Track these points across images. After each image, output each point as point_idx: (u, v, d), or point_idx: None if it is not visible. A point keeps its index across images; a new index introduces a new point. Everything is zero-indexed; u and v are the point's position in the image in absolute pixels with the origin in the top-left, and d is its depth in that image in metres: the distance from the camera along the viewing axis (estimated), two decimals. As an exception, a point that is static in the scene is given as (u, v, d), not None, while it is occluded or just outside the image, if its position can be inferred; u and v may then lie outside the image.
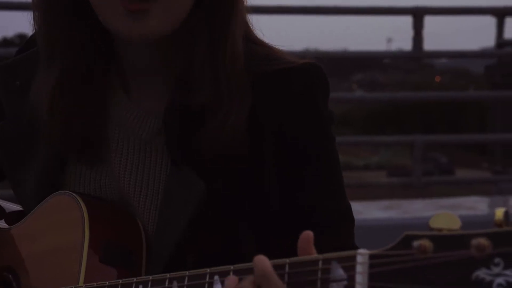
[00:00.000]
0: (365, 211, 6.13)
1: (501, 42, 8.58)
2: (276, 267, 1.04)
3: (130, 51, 1.37)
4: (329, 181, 1.35)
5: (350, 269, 0.96)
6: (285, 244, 1.12)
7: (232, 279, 1.08)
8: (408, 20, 7.22)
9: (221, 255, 1.29)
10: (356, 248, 1.34)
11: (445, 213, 0.90)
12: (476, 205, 6.79)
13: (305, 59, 1.37)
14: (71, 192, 1.36)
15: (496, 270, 0.84)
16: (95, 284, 1.25)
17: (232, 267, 1.10)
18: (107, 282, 1.24)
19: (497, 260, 0.84)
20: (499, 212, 0.86)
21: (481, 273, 0.85)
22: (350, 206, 1.37)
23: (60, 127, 1.37)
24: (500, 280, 0.84)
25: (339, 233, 1.34)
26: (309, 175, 1.33)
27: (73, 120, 1.37)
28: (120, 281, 1.23)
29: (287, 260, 1.04)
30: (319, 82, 1.36)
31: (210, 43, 1.32)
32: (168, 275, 1.17)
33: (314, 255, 1.01)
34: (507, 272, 0.83)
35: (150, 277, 1.19)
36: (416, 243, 0.89)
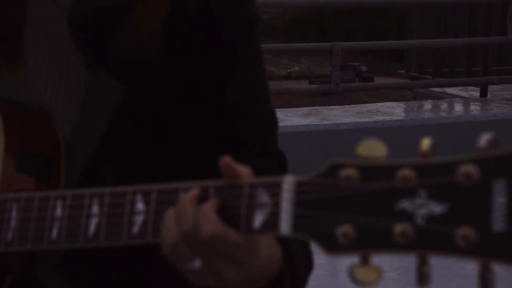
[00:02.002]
0: (285, 118, 6.18)
1: None
2: (200, 190, 1.03)
3: None
4: (256, 83, 1.33)
5: (275, 195, 0.95)
6: (211, 156, 1.10)
7: (194, 193, 1.03)
8: None
9: (141, 171, 1.27)
10: (282, 153, 1.34)
11: (372, 140, 0.89)
12: (393, 111, 6.90)
13: None
14: None
15: (419, 201, 0.85)
16: (9, 195, 1.20)
17: (155, 186, 1.08)
18: (23, 195, 1.19)
19: (420, 191, 0.85)
20: (426, 142, 0.86)
21: (404, 204, 0.85)
22: (274, 110, 1.35)
23: None
24: (422, 211, 0.85)
25: (267, 137, 1.32)
26: (236, 76, 1.30)
27: None
28: (37, 194, 1.18)
29: (212, 184, 1.03)
30: None
31: None
32: (88, 191, 1.14)
33: (239, 180, 1.00)
34: (430, 203, 0.84)
35: (70, 192, 1.16)
36: (342, 172, 0.89)
